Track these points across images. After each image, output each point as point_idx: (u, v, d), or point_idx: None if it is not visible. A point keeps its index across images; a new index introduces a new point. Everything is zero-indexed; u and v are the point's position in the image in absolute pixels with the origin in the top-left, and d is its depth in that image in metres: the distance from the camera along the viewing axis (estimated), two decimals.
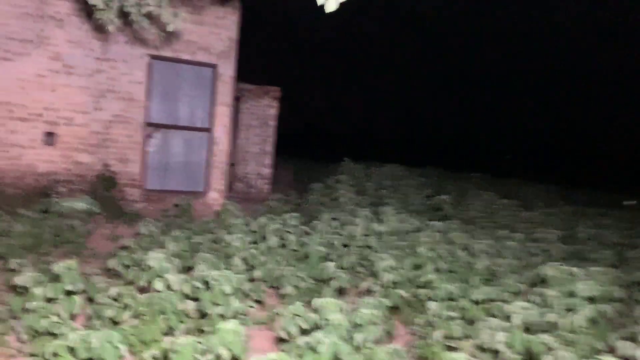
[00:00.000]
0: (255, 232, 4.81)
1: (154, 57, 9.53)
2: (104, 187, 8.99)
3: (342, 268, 4.66)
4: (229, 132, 10.22)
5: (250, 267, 4.29)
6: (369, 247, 5.22)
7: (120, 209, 8.81)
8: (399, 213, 6.46)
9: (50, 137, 8.98)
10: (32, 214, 6.05)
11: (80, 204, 8.29)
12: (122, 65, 9.27)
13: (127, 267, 4.14)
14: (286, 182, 14.26)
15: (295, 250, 5.02)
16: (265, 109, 13.29)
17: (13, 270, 4.15)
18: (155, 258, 3.34)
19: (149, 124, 9.68)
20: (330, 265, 4.70)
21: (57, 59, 8.83)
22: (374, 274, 4.36)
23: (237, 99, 12.90)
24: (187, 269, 4.77)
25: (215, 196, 10.13)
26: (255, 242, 4.78)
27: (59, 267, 3.08)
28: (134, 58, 9.34)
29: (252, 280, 4.37)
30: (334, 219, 5.59)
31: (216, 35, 9.88)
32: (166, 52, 9.55)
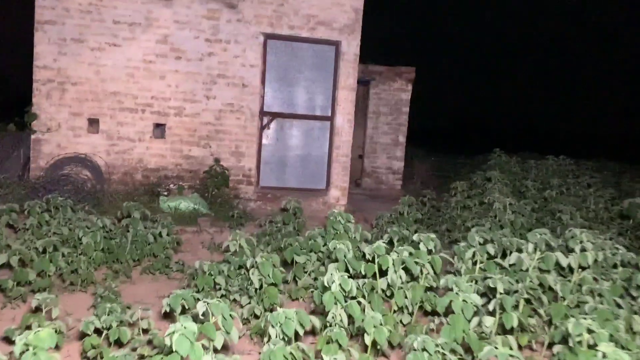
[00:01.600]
0: (370, 261, 3.26)
1: (268, 35, 8.35)
2: (215, 185, 8.04)
3: (507, 331, 2.92)
4: (353, 121, 8.73)
5: (358, 329, 2.73)
6: (551, 294, 3.38)
7: (232, 209, 7.79)
8: (586, 229, 4.45)
9: (159, 129, 8.25)
10: (114, 219, 5.13)
11: (186, 203, 7.39)
12: (235, 46, 8.23)
13: (185, 309, 2.84)
14: (422, 177, 12.45)
15: (430, 290, 3.37)
16: (397, 93, 11.59)
17: (40, 311, 3.05)
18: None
19: (264, 113, 8.55)
20: (487, 323, 2.96)
21: (165, 42, 8.03)
22: (573, 353, 2.57)
23: (365, 83, 11.37)
24: None
25: (336, 194, 8.74)
26: (365, 277, 3.21)
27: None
28: (247, 38, 8.24)
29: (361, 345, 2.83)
30: (489, 240, 3.81)
31: (339, 7, 8.42)
32: (282, 30, 8.32)
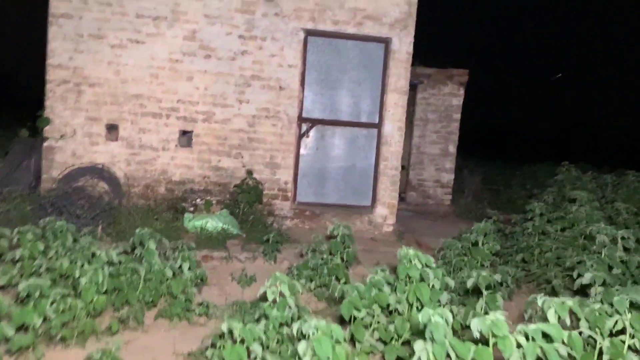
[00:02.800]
0: (479, 340, 2.20)
1: (309, 32, 7.35)
2: (247, 200, 7.05)
3: None
4: (404, 129, 7.64)
5: None
6: None
7: (265, 228, 6.80)
8: None
9: (186, 137, 7.32)
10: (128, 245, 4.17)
11: (213, 222, 6.42)
12: (271, 44, 7.25)
13: None
14: (473, 191, 11.24)
15: None
16: (447, 98, 10.45)
17: None
18: None
19: (303, 119, 7.54)
20: None
21: (194, 39, 7.10)
22: None
23: (412, 87, 10.26)
24: None
25: (384, 212, 7.65)
26: None
27: None
28: (286, 34, 7.25)
29: None
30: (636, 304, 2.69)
31: None
32: (325, 25, 7.31)
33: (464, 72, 10.43)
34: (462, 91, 10.49)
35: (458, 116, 10.52)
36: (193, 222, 6.42)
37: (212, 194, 7.31)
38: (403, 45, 7.44)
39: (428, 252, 7.09)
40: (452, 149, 10.59)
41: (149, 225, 6.26)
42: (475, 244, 4.92)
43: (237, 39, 7.19)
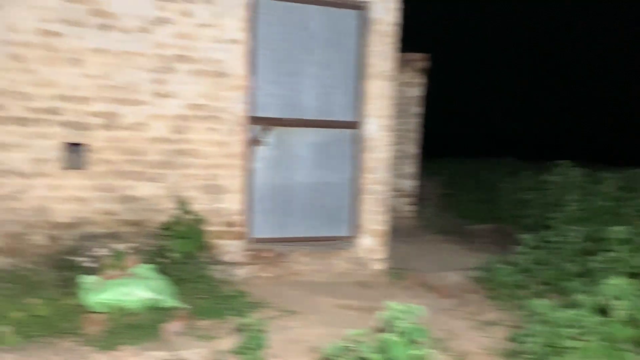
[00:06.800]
0: None
1: None
2: (181, 245, 4.60)
3: None
4: (392, 127, 5.64)
5: None
6: None
7: (214, 287, 4.43)
8: None
9: (75, 154, 4.68)
10: None
11: (138, 292, 3.92)
12: (203, 9, 4.85)
13: None
14: (435, 200, 9.56)
15: None
16: (404, 88, 8.63)
17: None
18: None
19: (255, 120, 5.21)
20: None
21: (78, 0, 4.50)
22: None
23: None
24: None
25: (370, 244, 5.60)
26: None
27: None
28: None
29: None
30: None
31: None
32: None
33: (423, 56, 8.66)
34: (419, 79, 8.72)
35: (418, 110, 8.75)
36: (100, 296, 3.85)
37: (122, 239, 4.74)
38: (386, 13, 5.41)
39: (443, 296, 5.16)
40: (413, 149, 8.81)
41: (23, 309, 3.65)
42: (603, 311, 3.02)
43: (150, 2, 4.69)
